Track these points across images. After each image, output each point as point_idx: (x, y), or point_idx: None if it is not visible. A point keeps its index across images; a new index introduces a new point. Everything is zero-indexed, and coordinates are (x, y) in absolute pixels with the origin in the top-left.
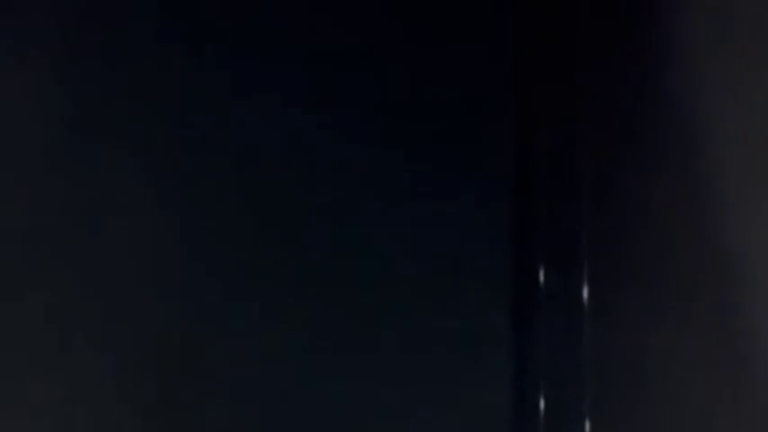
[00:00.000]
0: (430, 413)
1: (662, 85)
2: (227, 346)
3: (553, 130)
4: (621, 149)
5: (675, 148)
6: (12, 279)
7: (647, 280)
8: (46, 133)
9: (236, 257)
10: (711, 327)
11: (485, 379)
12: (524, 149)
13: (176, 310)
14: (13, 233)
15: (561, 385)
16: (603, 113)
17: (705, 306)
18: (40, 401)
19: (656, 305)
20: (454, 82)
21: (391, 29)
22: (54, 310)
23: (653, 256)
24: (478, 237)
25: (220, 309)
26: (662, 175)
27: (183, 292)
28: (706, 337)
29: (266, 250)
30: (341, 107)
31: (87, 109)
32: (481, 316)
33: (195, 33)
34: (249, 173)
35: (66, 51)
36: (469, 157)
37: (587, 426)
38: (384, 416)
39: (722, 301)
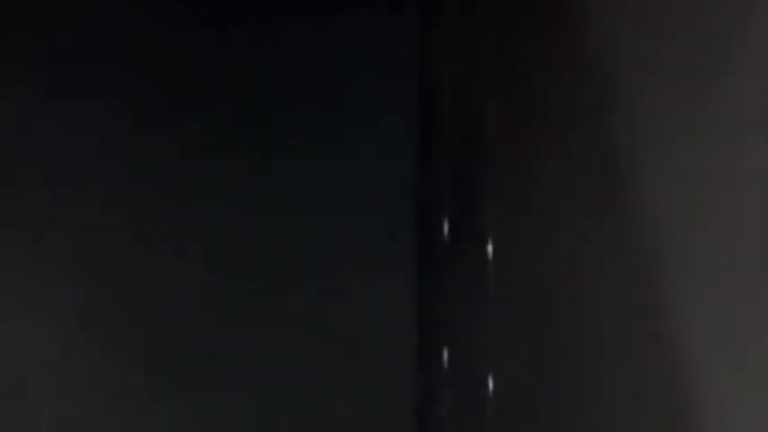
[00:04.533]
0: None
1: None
2: None
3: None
4: (526, 103)
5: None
6: None
7: (549, 219)
8: None
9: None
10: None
11: (390, 330)
12: (427, 102)
13: None
14: None
15: (465, 338)
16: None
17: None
18: None
19: (557, 236)
20: (360, 48)
21: None
22: None
23: (554, 194)
24: (382, 192)
25: None
26: (567, 116)
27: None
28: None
29: None
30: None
31: None
32: (385, 270)
33: None
34: None
35: None
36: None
37: (491, 382)
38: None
39: (624, 225)
